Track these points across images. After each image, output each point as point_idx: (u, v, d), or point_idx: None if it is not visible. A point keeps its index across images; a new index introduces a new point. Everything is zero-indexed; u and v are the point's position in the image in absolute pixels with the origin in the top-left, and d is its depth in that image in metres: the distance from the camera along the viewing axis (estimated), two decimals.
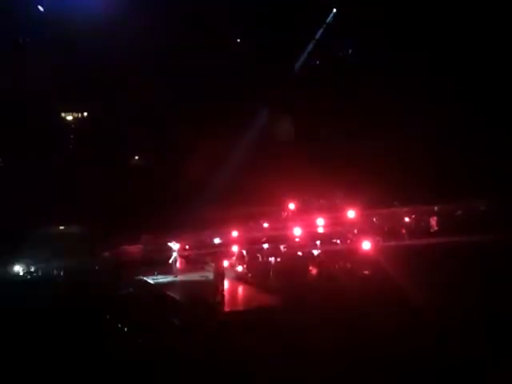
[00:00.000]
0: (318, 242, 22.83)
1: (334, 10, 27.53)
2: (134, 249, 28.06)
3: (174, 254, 24.40)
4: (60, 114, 36.31)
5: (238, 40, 31.24)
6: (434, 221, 22.22)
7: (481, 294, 15.53)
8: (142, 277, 23.54)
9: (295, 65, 25.46)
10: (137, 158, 37.16)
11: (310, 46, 28.56)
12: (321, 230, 25.43)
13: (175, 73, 30.44)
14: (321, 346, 13.69)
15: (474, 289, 15.88)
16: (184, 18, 27.41)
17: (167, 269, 24.17)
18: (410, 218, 23.21)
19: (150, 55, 28.71)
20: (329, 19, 27.67)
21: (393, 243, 20.99)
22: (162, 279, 23.14)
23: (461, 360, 12.61)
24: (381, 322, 14.78)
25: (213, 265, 21.51)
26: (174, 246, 24.74)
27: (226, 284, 20.70)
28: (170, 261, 24.21)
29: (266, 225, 28.05)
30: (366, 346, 13.53)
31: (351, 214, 26.09)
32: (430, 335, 13.83)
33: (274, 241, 24.17)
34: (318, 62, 29.73)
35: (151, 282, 22.75)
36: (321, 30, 27.84)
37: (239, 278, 21.93)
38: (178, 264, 24.25)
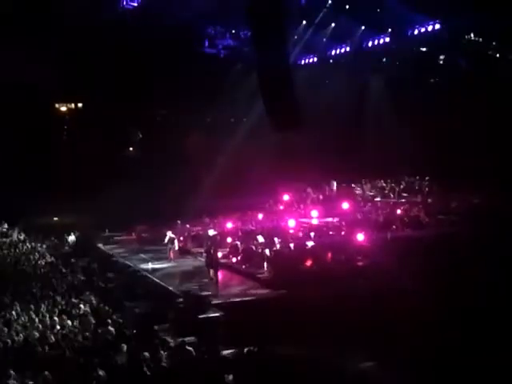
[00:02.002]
0: (312, 234, 22.83)
1: None
2: None
3: (175, 242, 24.48)
4: (54, 105, 36.29)
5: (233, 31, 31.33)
6: (422, 213, 22.34)
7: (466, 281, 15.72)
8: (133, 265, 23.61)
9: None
10: (131, 149, 37.21)
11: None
12: (315, 221, 25.48)
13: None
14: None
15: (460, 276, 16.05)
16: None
17: (163, 256, 24.29)
18: (401, 210, 23.30)
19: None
20: None
21: (387, 235, 21.07)
22: (156, 266, 23.21)
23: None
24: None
25: (207, 255, 21.43)
26: (171, 234, 24.77)
27: (220, 275, 20.71)
28: (168, 248, 24.31)
29: (260, 216, 28.08)
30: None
31: (345, 205, 26.20)
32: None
33: (269, 232, 24.18)
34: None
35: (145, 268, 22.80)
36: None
37: (233, 269, 21.91)
38: (173, 253, 24.29)
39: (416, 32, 25.72)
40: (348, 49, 29.48)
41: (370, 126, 29.19)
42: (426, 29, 25.20)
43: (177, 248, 24.39)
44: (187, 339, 14.36)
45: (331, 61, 30.65)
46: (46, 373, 11.15)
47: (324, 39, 29.55)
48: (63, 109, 36.52)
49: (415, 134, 26.48)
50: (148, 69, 31.06)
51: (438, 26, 24.77)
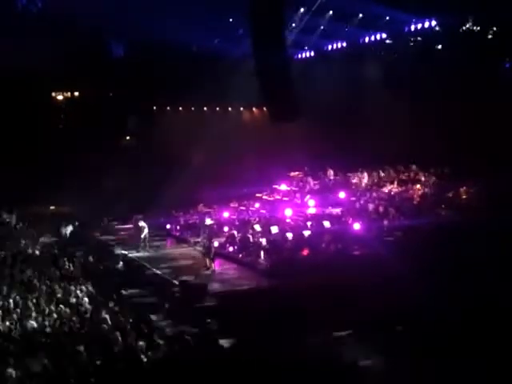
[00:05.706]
0: (308, 223, 22.87)
1: None
2: None
3: (145, 231, 24.63)
4: (51, 94, 36.14)
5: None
6: (419, 203, 22.43)
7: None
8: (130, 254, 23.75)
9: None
10: (128, 138, 37.15)
11: None
12: (312, 210, 25.50)
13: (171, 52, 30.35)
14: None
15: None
16: None
17: (140, 245, 24.61)
18: (398, 199, 23.39)
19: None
20: None
21: (383, 224, 21.14)
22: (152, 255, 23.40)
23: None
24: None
25: (203, 244, 21.51)
26: (142, 223, 24.94)
27: (217, 264, 20.77)
28: (142, 236, 24.54)
29: (257, 205, 28.12)
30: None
31: (342, 194, 26.21)
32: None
33: (266, 221, 24.23)
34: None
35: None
36: None
37: (230, 258, 21.97)
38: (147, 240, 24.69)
39: (412, 28, 26.28)
40: (344, 44, 29.75)
41: (368, 116, 29.05)
42: (423, 25, 25.72)
43: (143, 236, 24.51)
44: (183, 328, 14.44)
45: (328, 55, 30.77)
46: (45, 361, 11.21)
47: (319, 34, 29.59)
48: (60, 97, 36.40)
49: (413, 124, 26.41)
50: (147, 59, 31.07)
51: (434, 23, 25.29)
